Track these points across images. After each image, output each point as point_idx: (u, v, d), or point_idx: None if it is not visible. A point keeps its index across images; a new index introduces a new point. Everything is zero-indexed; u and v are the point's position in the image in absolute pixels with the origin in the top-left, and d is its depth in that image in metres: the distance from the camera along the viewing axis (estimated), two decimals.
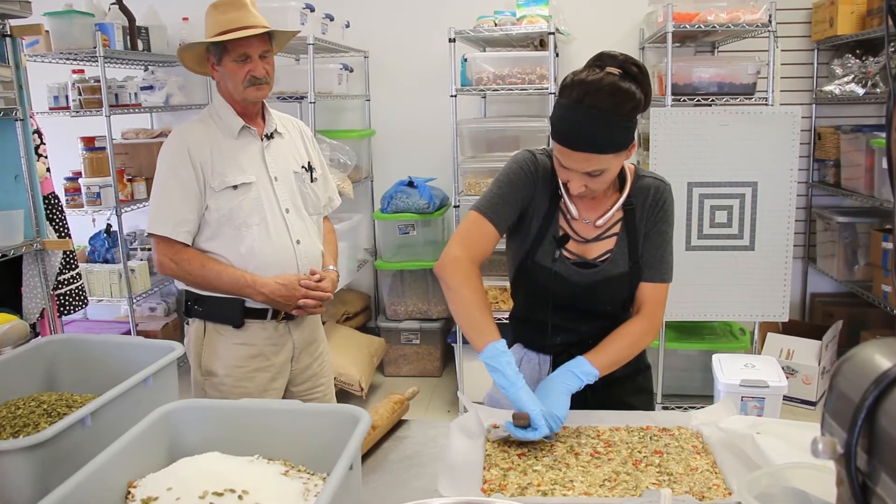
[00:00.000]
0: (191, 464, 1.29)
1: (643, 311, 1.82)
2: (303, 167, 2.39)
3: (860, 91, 4.27)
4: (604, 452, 1.58)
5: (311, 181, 2.41)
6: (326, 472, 1.33)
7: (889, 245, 3.83)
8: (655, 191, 1.80)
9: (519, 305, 1.94)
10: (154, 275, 4.43)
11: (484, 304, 1.72)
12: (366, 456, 1.69)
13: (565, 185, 1.72)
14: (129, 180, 4.28)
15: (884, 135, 3.93)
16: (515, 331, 1.95)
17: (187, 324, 2.36)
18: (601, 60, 1.63)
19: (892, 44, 4.32)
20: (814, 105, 4.68)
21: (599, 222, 1.77)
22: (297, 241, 2.31)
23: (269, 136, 2.32)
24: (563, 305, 1.80)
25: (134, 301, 4.13)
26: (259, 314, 2.28)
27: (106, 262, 4.23)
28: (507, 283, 4.05)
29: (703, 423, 1.67)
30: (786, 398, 3.33)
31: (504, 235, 1.84)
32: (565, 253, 1.77)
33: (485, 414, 1.72)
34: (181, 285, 2.32)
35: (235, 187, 2.21)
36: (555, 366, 1.83)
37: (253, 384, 2.29)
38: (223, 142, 2.24)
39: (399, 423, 1.85)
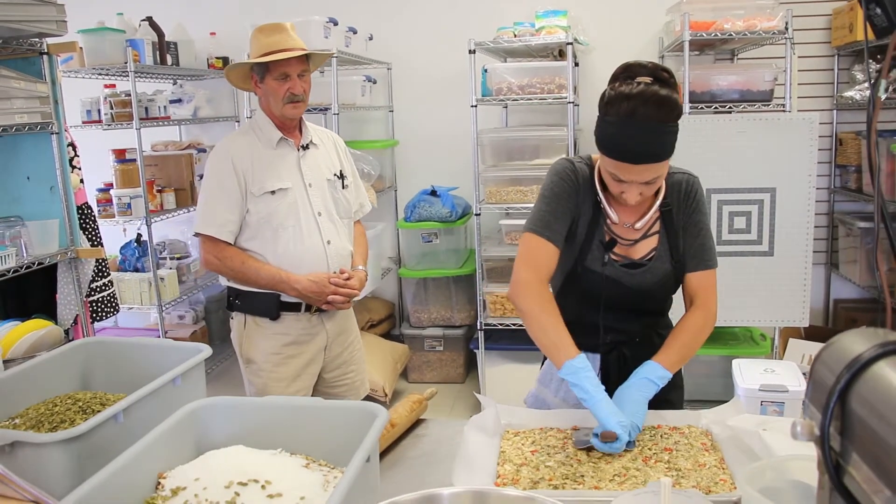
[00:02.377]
0: (217, 456, 1.36)
1: (696, 301, 1.86)
2: (335, 175, 2.60)
3: (882, 96, 4.26)
4: None
5: (343, 188, 2.61)
6: (346, 466, 1.39)
7: None
8: (686, 184, 1.86)
9: (568, 309, 1.93)
10: (183, 283, 4.53)
11: (558, 323, 1.75)
12: (385, 452, 1.75)
13: (619, 196, 1.75)
14: (159, 191, 4.39)
15: None
16: None
17: (232, 318, 2.58)
18: (630, 71, 1.67)
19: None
20: (835, 111, 4.67)
21: (638, 225, 1.82)
22: (328, 242, 2.51)
23: (305, 147, 2.54)
24: (613, 306, 1.84)
25: (163, 309, 4.23)
26: (294, 307, 2.49)
27: (136, 270, 4.33)
28: None
29: (713, 422, 1.71)
30: None
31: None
32: (613, 256, 1.82)
33: (503, 412, 1.77)
34: (224, 282, 2.54)
35: (273, 192, 2.43)
36: (604, 364, 1.89)
37: (288, 369, 2.51)
38: (263, 152, 2.47)
39: (418, 422, 1.91)
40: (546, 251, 1.80)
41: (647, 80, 1.63)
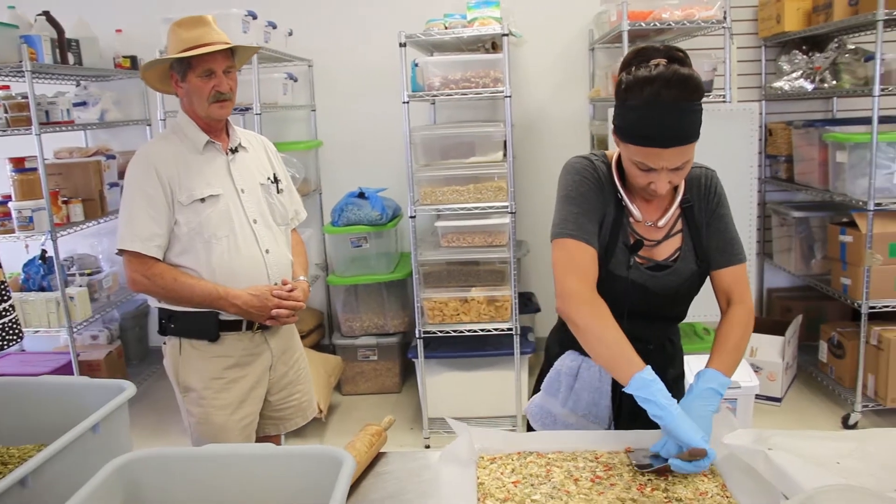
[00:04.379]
0: None
1: (734, 297, 1.76)
2: (268, 178, 2.41)
3: (809, 86, 4.28)
4: (605, 477, 1.47)
5: (277, 192, 2.43)
6: None
7: (847, 238, 3.83)
8: (706, 179, 1.78)
9: None
10: (95, 301, 4.18)
11: (619, 335, 1.61)
12: None
13: (645, 188, 1.64)
14: (65, 202, 4.03)
15: (837, 129, 3.93)
16: (572, 339, 1.78)
17: (164, 343, 2.36)
18: (644, 54, 1.61)
19: (836, 39, 4.36)
20: (763, 101, 4.68)
21: (661, 223, 1.73)
22: (266, 251, 2.32)
23: (234, 151, 2.35)
24: (637, 313, 1.73)
25: (74, 330, 3.89)
26: (234, 326, 2.29)
27: (42, 289, 3.97)
28: (467, 294, 3.96)
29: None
30: None
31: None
32: (638, 259, 1.72)
33: (476, 435, 1.60)
34: (154, 303, 2.32)
35: (203, 200, 2.22)
36: None
37: (232, 395, 2.30)
38: (189, 157, 2.27)
39: (377, 456, 1.71)
40: (587, 254, 1.67)
41: (663, 61, 1.57)
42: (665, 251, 1.74)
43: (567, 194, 1.72)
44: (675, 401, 1.51)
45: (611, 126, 1.68)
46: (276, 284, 2.31)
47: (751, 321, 1.76)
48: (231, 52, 2.28)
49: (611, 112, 3.37)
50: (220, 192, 2.25)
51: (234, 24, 3.58)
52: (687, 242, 1.75)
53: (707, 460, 1.44)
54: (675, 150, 1.55)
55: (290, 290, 2.32)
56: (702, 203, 1.77)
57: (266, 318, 2.27)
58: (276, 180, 2.43)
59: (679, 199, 1.74)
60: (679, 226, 1.76)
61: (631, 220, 1.73)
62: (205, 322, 2.25)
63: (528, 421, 1.90)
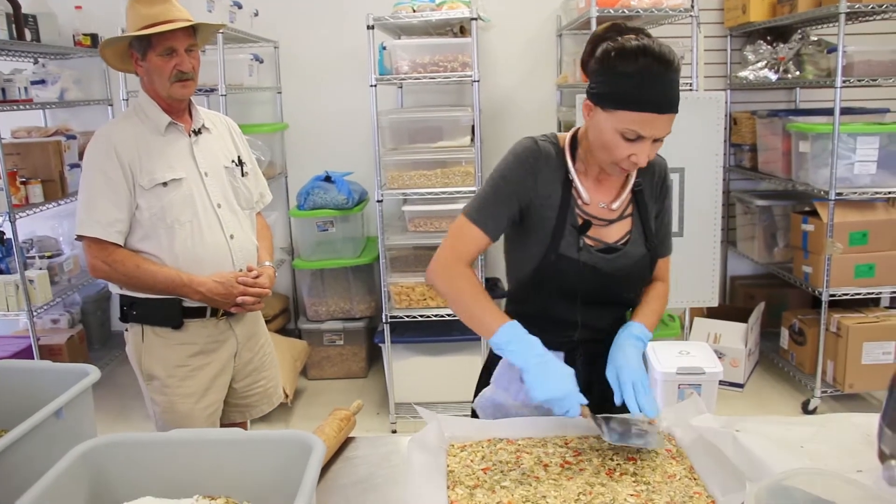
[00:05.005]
0: None
1: (657, 277, 1.86)
2: (233, 161, 2.35)
3: (773, 77, 4.33)
4: (574, 462, 1.48)
5: (242, 175, 2.38)
6: None
7: (809, 227, 3.89)
8: (659, 167, 1.81)
9: (537, 303, 1.77)
10: (55, 284, 4.10)
11: (479, 293, 1.65)
12: None
13: (624, 161, 1.60)
14: (23, 183, 3.93)
15: (799, 119, 3.99)
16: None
17: (126, 330, 2.31)
18: (619, 29, 1.62)
19: (800, 31, 4.41)
20: (728, 90, 4.72)
21: (615, 205, 1.73)
22: (231, 236, 2.27)
23: (197, 132, 2.29)
24: (590, 298, 1.73)
25: (34, 314, 3.80)
26: (198, 313, 2.25)
27: (0, 272, 3.89)
28: (423, 279, 3.95)
29: (674, 424, 1.59)
30: None
31: (500, 237, 1.75)
32: (588, 241, 1.71)
33: (445, 423, 1.59)
34: (115, 289, 2.26)
35: (165, 184, 2.15)
36: (568, 362, 1.73)
37: (196, 382, 2.26)
38: (150, 139, 2.20)
39: (346, 441, 1.70)
40: (473, 237, 1.69)
41: (637, 35, 1.58)
42: (615, 234, 1.74)
43: (492, 175, 1.73)
44: (541, 348, 1.56)
45: (574, 103, 1.67)
46: (241, 270, 2.27)
47: (667, 297, 1.89)
48: (193, 30, 2.21)
49: (579, 98, 3.40)
50: (182, 175, 2.18)
51: (197, 3, 3.51)
52: (637, 226, 1.76)
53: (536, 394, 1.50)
54: (667, 118, 1.56)
55: (256, 277, 2.27)
56: (654, 190, 1.79)
57: (231, 305, 2.23)
58: (240, 163, 2.37)
59: (632, 182, 1.74)
60: (630, 209, 1.76)
61: (579, 201, 1.71)
62: (168, 309, 2.20)
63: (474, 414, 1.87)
